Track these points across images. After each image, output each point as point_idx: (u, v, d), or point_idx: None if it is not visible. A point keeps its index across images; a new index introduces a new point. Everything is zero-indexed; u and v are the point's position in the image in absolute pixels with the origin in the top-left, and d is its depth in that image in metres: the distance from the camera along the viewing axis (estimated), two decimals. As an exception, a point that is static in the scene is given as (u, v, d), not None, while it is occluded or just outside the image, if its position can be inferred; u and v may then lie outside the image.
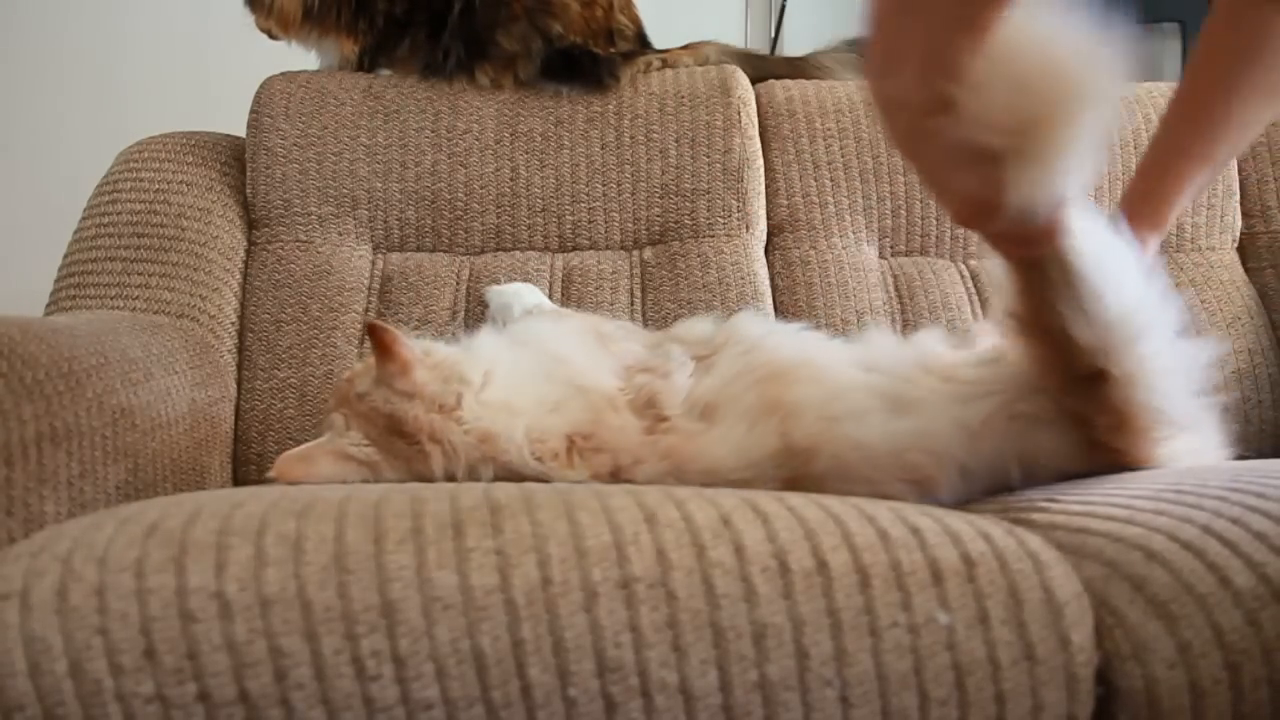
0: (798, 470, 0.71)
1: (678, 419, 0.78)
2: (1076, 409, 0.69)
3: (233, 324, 1.13)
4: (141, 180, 1.16)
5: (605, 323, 0.98)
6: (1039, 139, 0.56)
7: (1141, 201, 0.89)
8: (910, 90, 0.55)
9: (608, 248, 1.22)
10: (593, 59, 1.21)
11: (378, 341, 0.78)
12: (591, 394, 0.80)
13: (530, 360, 0.84)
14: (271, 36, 1.24)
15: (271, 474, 0.77)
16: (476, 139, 1.20)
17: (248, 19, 1.23)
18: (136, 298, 1.08)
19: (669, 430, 0.77)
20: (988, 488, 0.73)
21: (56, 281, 1.11)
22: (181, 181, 1.17)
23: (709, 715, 0.48)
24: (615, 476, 0.74)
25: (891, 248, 1.25)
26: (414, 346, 0.80)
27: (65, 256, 1.12)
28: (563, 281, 1.18)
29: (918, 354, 0.80)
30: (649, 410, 0.79)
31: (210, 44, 1.76)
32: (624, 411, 0.79)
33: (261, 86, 1.22)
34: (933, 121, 0.55)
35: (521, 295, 1.12)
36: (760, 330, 0.86)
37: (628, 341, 0.91)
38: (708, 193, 1.21)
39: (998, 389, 0.73)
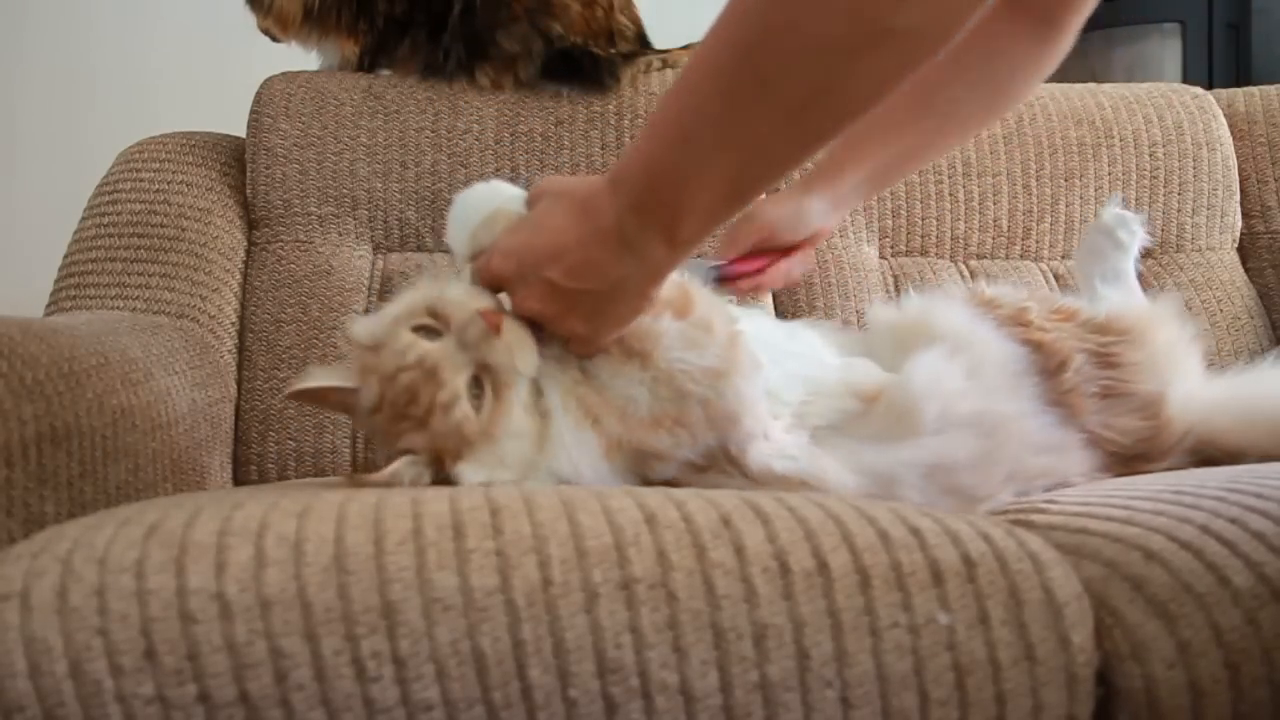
0: None
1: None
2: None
3: (233, 324, 1.12)
4: (141, 180, 1.16)
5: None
6: None
7: (828, 153, 0.89)
8: None
9: (608, 248, 1.22)
10: (593, 60, 1.21)
11: None
12: None
13: None
14: (272, 38, 1.24)
15: None
16: (476, 139, 1.20)
17: (247, 19, 1.23)
18: (136, 298, 1.08)
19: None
20: None
21: (56, 282, 1.10)
22: (181, 181, 1.17)
23: (709, 716, 0.48)
24: None
25: (891, 248, 1.25)
26: None
27: (65, 257, 1.12)
28: (563, 281, 1.18)
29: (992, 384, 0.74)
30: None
31: (210, 44, 1.75)
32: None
33: (261, 86, 1.22)
34: None
35: None
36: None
37: None
38: (708, 193, 1.21)
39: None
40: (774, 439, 0.68)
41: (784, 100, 0.52)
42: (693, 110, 0.55)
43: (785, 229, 0.86)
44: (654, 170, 0.57)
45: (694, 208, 0.56)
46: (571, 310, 0.61)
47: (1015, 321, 0.79)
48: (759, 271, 0.86)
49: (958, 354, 0.74)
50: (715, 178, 0.55)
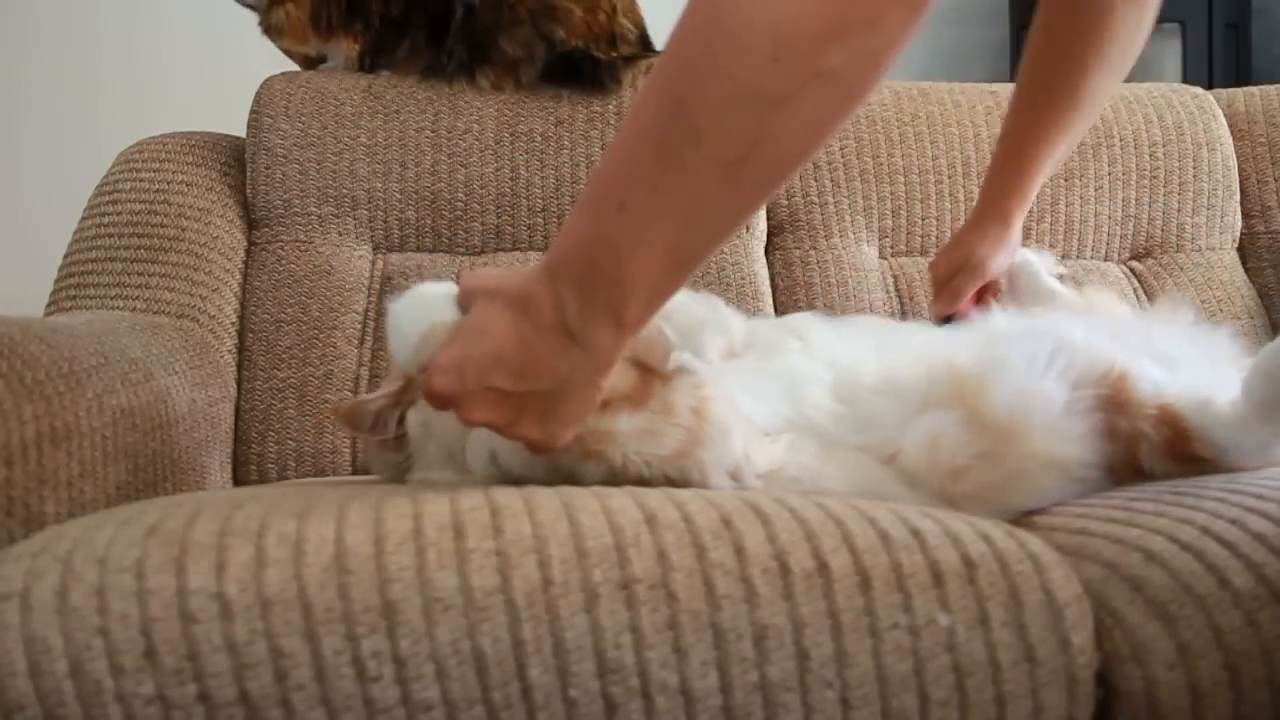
0: None
1: None
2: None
3: (233, 324, 1.12)
4: (141, 180, 1.16)
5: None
6: None
7: (1003, 180, 0.98)
8: None
9: (608, 248, 1.22)
10: (594, 63, 1.20)
11: None
12: None
13: None
14: (310, 60, 1.25)
15: None
16: (476, 139, 1.20)
17: (248, 20, 1.23)
18: (136, 298, 1.08)
19: None
20: None
21: (56, 281, 1.10)
22: (181, 181, 1.17)
23: (709, 716, 0.48)
24: None
25: (891, 248, 1.25)
26: None
27: (65, 256, 1.12)
28: (563, 282, 1.18)
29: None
30: None
31: (211, 44, 1.75)
32: None
33: (262, 86, 1.22)
34: None
35: None
36: None
37: None
38: (708, 193, 1.21)
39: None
40: (755, 461, 0.66)
41: (720, 155, 0.51)
42: (628, 176, 0.53)
43: (1002, 266, 0.98)
44: (593, 248, 0.54)
45: (639, 283, 0.54)
46: (522, 415, 0.58)
47: (1125, 446, 0.67)
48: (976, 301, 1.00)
49: (985, 428, 0.66)
50: (658, 248, 0.53)
